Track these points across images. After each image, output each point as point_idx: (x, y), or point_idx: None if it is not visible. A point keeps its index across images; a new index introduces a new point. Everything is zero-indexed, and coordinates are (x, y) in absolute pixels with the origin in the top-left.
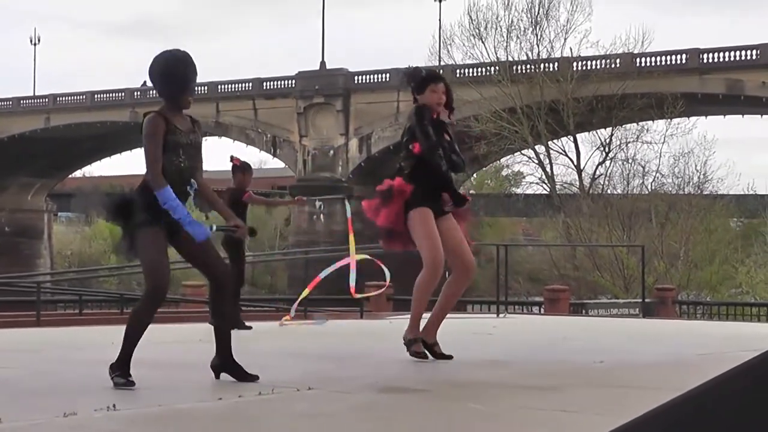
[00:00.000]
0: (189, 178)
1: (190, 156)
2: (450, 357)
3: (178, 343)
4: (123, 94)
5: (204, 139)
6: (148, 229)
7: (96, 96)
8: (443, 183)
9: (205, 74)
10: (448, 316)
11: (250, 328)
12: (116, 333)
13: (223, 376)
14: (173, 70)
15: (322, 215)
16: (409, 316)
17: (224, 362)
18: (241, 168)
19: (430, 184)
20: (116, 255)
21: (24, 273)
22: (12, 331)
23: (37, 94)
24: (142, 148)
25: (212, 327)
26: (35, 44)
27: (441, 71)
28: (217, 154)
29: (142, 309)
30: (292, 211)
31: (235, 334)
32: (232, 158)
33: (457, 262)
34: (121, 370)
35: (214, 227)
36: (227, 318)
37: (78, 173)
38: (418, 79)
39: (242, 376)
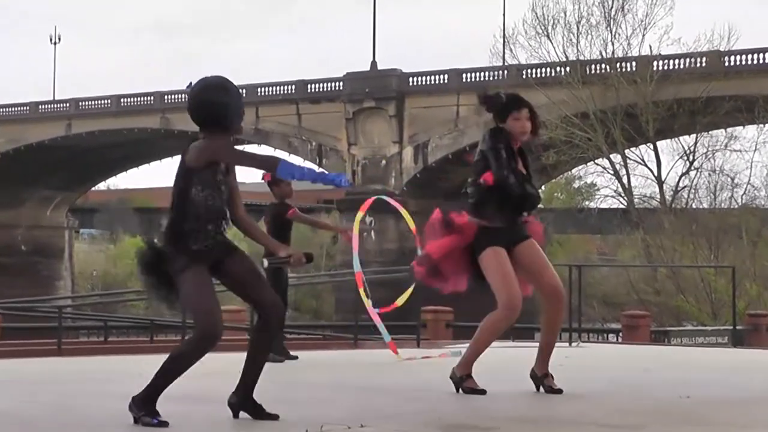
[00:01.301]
0: (226, 213)
1: (227, 188)
2: (560, 391)
3: (216, 375)
4: (152, 98)
5: (242, 147)
6: (189, 272)
7: (122, 100)
8: (519, 206)
9: (243, 76)
10: (517, 344)
11: (295, 358)
12: (145, 363)
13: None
14: (211, 99)
15: (373, 232)
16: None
17: (244, 400)
18: (274, 181)
19: (503, 208)
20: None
21: (43, 296)
22: (32, 360)
23: (57, 98)
24: (232, 159)
25: (246, 357)
26: (55, 43)
27: (505, 72)
28: None
29: (190, 352)
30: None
31: (281, 366)
32: (263, 177)
33: (542, 288)
34: (147, 408)
35: (265, 262)
36: (266, 354)
37: (102, 185)
38: (499, 107)
39: (262, 415)
